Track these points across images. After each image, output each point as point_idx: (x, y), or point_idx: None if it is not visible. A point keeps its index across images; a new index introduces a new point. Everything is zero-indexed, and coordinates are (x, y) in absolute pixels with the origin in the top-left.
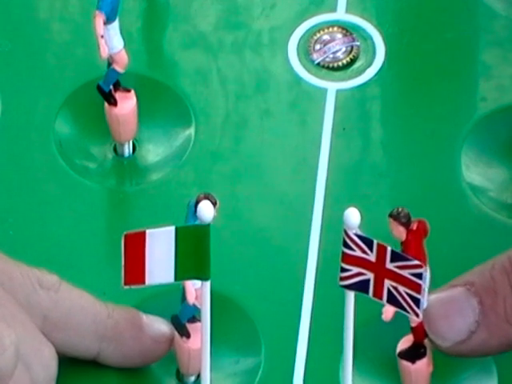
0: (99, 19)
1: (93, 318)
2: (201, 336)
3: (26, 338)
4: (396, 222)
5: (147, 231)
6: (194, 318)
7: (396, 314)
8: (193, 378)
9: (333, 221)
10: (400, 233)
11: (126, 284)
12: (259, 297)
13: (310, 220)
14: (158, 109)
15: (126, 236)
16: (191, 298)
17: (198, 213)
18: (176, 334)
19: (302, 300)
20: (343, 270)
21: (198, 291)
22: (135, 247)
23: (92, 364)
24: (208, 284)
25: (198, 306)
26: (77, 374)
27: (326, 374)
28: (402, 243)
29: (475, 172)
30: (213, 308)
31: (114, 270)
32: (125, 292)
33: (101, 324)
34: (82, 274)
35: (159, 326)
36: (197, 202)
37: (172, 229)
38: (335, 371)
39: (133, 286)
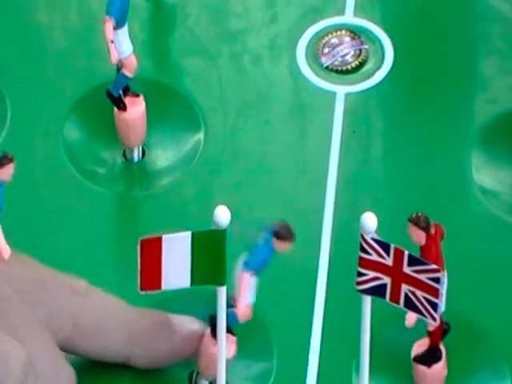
0: (109, 24)
1: (123, 323)
2: (217, 341)
3: (44, 358)
4: (416, 226)
5: (163, 236)
6: (229, 329)
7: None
8: (206, 383)
9: (344, 224)
10: (419, 237)
11: (142, 290)
12: (271, 302)
13: (321, 224)
14: (167, 114)
15: (142, 241)
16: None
17: (214, 217)
18: (207, 335)
19: (313, 306)
20: (360, 274)
21: (248, 309)
22: (151, 253)
23: (103, 366)
24: (224, 289)
25: (241, 322)
26: (89, 374)
27: (338, 379)
28: (421, 248)
29: (486, 174)
30: None
31: (121, 274)
32: (129, 297)
33: (131, 329)
34: (91, 278)
35: (189, 325)
36: (274, 232)
37: (188, 234)
38: (348, 376)
39: (149, 292)
